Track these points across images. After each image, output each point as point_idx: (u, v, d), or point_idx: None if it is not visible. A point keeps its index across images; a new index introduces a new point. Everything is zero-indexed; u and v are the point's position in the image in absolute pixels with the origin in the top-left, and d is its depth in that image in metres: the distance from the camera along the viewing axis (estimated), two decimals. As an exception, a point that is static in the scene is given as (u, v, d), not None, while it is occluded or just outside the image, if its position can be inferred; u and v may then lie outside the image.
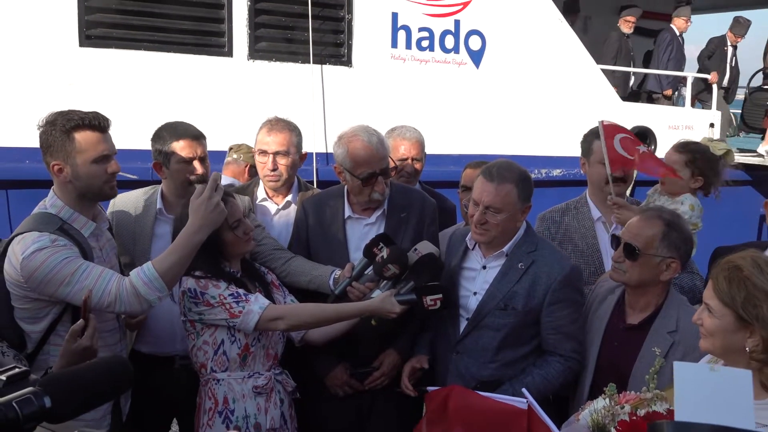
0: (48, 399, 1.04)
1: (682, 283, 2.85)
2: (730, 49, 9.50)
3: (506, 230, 2.56)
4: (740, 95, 10.31)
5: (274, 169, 3.00)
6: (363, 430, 2.88)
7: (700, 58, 9.51)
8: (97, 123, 2.36)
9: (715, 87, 8.07)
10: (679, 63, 8.91)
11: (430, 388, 2.57)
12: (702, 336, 1.82)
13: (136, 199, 2.94)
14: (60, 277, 2.21)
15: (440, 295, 2.44)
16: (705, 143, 3.24)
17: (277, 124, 3.07)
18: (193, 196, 2.32)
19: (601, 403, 1.85)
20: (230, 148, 4.51)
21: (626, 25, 8.73)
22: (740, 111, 9.62)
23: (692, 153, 3.17)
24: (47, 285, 2.22)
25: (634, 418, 1.72)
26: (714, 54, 9.44)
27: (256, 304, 2.43)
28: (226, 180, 4.03)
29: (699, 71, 9.16)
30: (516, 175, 2.53)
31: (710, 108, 7.97)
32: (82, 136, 2.33)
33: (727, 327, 1.73)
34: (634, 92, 9.27)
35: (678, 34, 8.97)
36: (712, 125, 7.52)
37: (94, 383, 1.12)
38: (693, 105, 8.19)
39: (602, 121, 3.04)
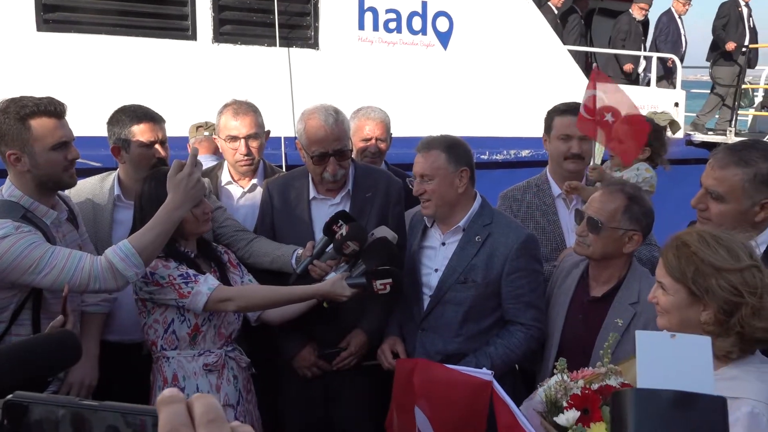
0: None
1: (640, 254, 2.89)
2: (744, 9, 9.06)
3: (445, 198, 2.59)
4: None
5: (247, 154, 2.97)
6: (332, 410, 2.88)
7: (715, 29, 9.09)
8: (53, 108, 2.29)
9: (679, 66, 8.16)
10: (676, 45, 8.90)
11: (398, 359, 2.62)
12: (658, 314, 1.84)
13: (92, 187, 2.87)
14: (27, 262, 2.16)
15: (390, 280, 2.43)
16: (650, 116, 3.32)
17: (241, 107, 3.03)
18: (171, 172, 2.26)
19: (554, 378, 1.87)
20: (198, 128, 4.44)
21: (639, 11, 8.84)
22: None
23: None
24: (14, 271, 2.17)
25: (587, 391, 1.74)
26: (728, 20, 9.02)
27: (205, 285, 2.42)
28: (207, 158, 3.95)
29: (715, 43, 9.03)
30: (444, 142, 2.59)
31: (674, 87, 8.08)
32: (39, 123, 2.26)
33: (681, 303, 1.75)
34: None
35: (677, 16, 9.02)
36: (676, 104, 7.64)
37: (37, 355, 1.10)
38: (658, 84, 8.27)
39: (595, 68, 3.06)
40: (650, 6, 9.00)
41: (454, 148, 2.60)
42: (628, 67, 8.61)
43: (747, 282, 1.66)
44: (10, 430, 0.59)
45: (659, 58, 8.32)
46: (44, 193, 2.37)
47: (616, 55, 8.62)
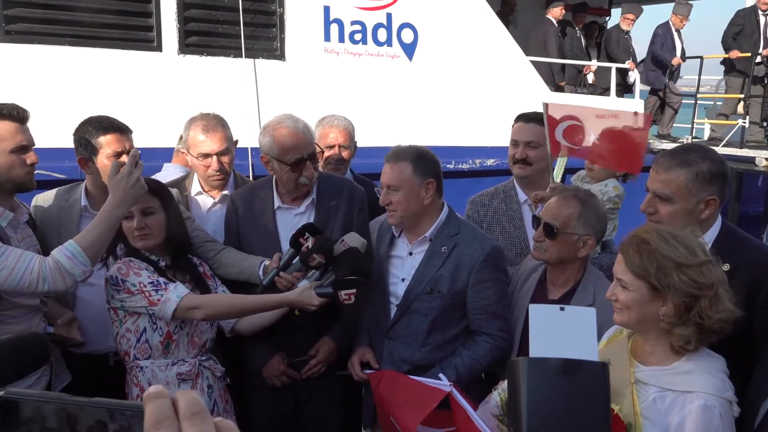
0: None
1: (601, 262, 3.00)
2: (762, 18, 9.01)
3: (410, 209, 2.63)
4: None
5: (220, 170, 3.00)
6: (302, 418, 2.91)
7: (725, 39, 9.15)
8: (15, 113, 2.35)
9: (637, 77, 8.44)
10: (671, 54, 9.19)
11: (367, 371, 2.66)
12: (616, 310, 1.89)
13: (59, 197, 2.87)
14: None
15: (354, 290, 2.45)
16: None
17: (210, 122, 3.02)
18: (110, 172, 2.31)
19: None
20: (181, 137, 4.42)
21: (625, 22, 9.14)
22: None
23: None
24: None
25: None
26: (742, 28, 9.02)
27: (175, 292, 2.44)
28: (177, 168, 3.95)
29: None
30: (411, 153, 2.64)
31: (633, 97, 8.33)
32: (2, 125, 2.33)
33: (642, 298, 1.81)
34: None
35: (674, 29, 9.29)
36: (635, 113, 7.84)
37: (8, 356, 1.12)
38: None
39: (546, 104, 3.03)
40: (637, 17, 9.31)
41: (422, 160, 2.64)
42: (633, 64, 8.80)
43: (705, 276, 1.75)
44: (1, 425, 0.61)
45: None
46: (2, 195, 2.41)
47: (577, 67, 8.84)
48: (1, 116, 2.31)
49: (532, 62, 7.31)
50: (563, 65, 8.95)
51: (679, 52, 9.31)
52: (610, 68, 8.43)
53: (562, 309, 1.02)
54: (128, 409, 0.61)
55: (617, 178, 3.33)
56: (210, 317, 2.53)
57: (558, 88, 8.81)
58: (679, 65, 9.34)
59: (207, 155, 2.97)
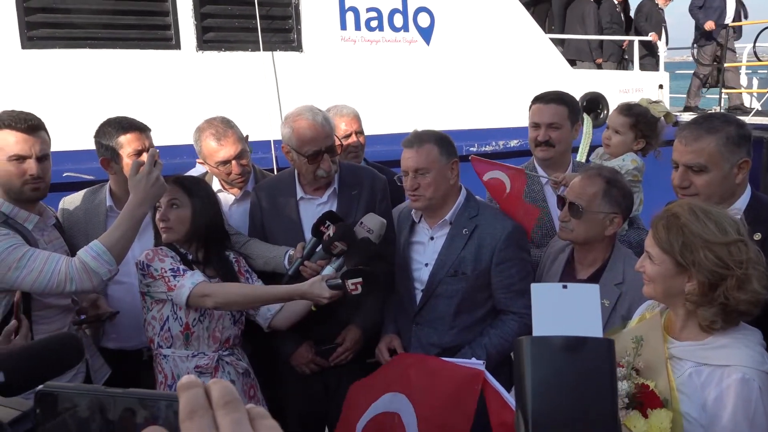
0: (2, 374, 1.08)
1: (629, 238, 2.95)
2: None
3: (440, 190, 2.64)
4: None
5: (241, 173, 3.01)
6: (331, 404, 2.93)
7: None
8: (23, 124, 2.39)
9: (662, 48, 8.23)
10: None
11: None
12: (645, 282, 1.89)
13: (85, 199, 2.93)
14: (7, 263, 2.24)
15: (359, 279, 2.40)
16: (644, 104, 3.34)
17: (219, 128, 2.98)
18: (130, 172, 2.36)
19: None
20: None
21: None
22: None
23: (636, 116, 3.28)
24: None
25: None
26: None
27: (190, 279, 2.49)
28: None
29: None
30: (433, 135, 2.65)
31: (657, 70, 8.14)
32: (3, 135, 2.38)
33: (667, 273, 1.80)
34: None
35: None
36: (661, 86, 7.70)
37: (45, 358, 1.16)
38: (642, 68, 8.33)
39: (473, 157, 2.99)
40: None
41: (445, 141, 2.66)
42: (598, 60, 8.63)
43: (733, 255, 1.71)
44: (42, 417, 0.64)
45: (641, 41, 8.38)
46: (20, 203, 2.46)
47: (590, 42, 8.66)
48: (6, 126, 2.36)
49: (566, 40, 7.18)
50: (601, 42, 8.76)
51: (731, 13, 8.94)
52: (646, 42, 8.21)
53: (564, 287, 1.00)
54: (163, 399, 0.63)
55: (636, 151, 3.27)
56: (220, 305, 2.54)
57: (598, 66, 8.64)
58: (717, 29, 8.98)
59: (225, 162, 2.97)
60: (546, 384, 0.91)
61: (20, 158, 2.40)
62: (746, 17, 9.30)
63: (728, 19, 9.00)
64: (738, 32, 9.53)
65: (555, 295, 1.02)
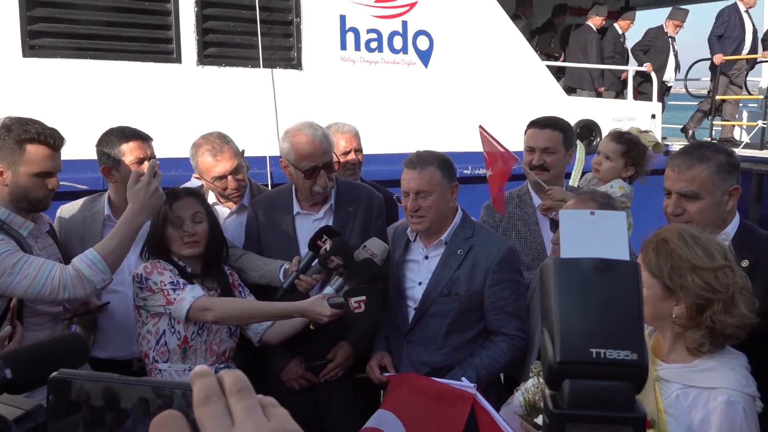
0: (9, 371, 1.09)
1: (620, 263, 2.99)
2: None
3: (440, 213, 2.66)
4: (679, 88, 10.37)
5: (237, 187, 3.04)
6: (321, 421, 2.93)
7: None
8: (52, 141, 2.43)
9: (655, 80, 8.35)
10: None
11: (387, 374, 2.68)
12: None
13: (83, 207, 2.94)
14: (1, 268, 2.24)
15: (363, 297, 2.40)
16: (635, 133, 3.41)
17: (215, 144, 3.01)
18: (130, 183, 2.38)
19: (530, 381, 1.95)
20: None
21: (672, 27, 9.13)
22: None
23: (627, 144, 3.35)
24: None
25: None
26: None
27: (191, 293, 2.49)
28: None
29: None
30: (436, 158, 2.67)
31: (650, 100, 8.26)
32: (34, 149, 2.40)
33: (656, 296, 1.83)
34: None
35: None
36: (653, 116, 7.81)
37: (51, 356, 1.17)
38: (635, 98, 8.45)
39: (480, 126, 3.19)
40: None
41: (445, 164, 2.69)
42: (600, 89, 8.81)
43: (719, 280, 1.75)
44: (56, 404, 0.65)
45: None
46: (19, 210, 2.47)
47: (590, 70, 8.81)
48: (37, 140, 2.39)
49: (569, 69, 7.27)
50: (602, 71, 8.92)
51: (749, 44, 9.06)
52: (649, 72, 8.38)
53: (592, 213, 1.02)
54: (177, 388, 0.64)
55: (623, 178, 3.34)
56: (220, 320, 2.55)
57: (598, 94, 8.77)
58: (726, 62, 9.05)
59: (221, 177, 3.00)
60: (574, 303, 0.92)
61: (49, 174, 2.45)
62: (766, 49, 9.40)
63: (745, 51, 9.13)
64: (750, 64, 9.69)
65: (582, 221, 1.03)
